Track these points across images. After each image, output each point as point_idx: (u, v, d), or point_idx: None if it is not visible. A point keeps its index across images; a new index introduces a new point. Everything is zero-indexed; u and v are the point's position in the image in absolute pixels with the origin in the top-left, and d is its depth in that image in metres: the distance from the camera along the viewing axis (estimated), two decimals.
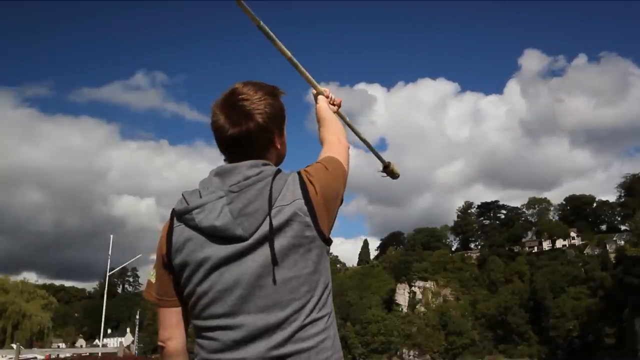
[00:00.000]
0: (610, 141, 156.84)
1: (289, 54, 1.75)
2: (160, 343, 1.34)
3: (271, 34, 1.67)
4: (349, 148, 1.60)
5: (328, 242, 1.31)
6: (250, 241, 1.21)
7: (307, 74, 1.82)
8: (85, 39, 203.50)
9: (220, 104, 1.35)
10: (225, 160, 1.37)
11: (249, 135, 1.32)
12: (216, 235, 1.22)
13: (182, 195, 1.31)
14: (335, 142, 1.57)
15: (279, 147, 1.42)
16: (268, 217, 1.22)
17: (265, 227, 1.21)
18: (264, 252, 1.21)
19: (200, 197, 1.27)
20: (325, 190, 1.30)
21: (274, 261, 1.21)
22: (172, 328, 1.33)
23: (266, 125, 1.34)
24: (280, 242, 1.22)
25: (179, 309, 1.32)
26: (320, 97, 1.83)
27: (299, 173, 1.33)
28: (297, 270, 1.23)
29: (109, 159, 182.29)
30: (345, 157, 1.50)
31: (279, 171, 1.31)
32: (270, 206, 1.23)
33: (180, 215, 1.27)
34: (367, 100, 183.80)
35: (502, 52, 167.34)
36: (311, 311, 1.23)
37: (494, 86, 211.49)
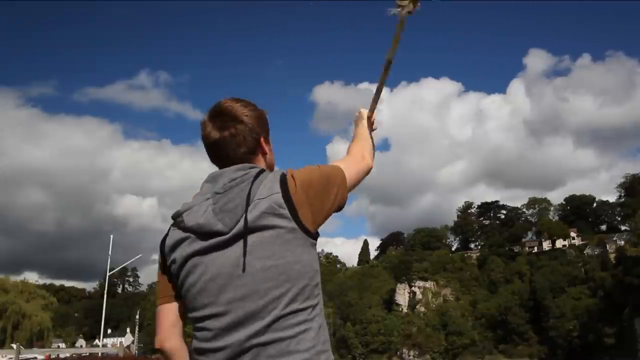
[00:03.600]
0: (614, 141, 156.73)
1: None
2: (157, 347, 1.38)
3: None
4: (371, 168, 1.66)
5: (312, 235, 1.34)
6: (229, 235, 1.29)
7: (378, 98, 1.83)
8: (88, 38, 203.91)
9: (207, 115, 1.45)
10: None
11: (236, 136, 1.40)
12: (200, 232, 1.31)
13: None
14: (357, 156, 1.64)
15: (267, 153, 1.47)
16: (245, 211, 1.30)
17: (242, 221, 1.29)
18: (242, 243, 1.29)
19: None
20: (307, 186, 1.34)
21: (245, 251, 1.28)
22: (169, 328, 1.39)
23: (252, 127, 1.42)
24: (257, 233, 1.29)
25: (175, 304, 1.39)
26: (365, 120, 1.87)
27: (284, 171, 1.39)
28: (275, 259, 1.28)
29: (112, 158, 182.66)
30: (358, 170, 1.56)
31: (262, 171, 1.38)
32: (248, 201, 1.30)
33: (174, 219, 1.39)
34: (371, 99, 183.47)
35: (506, 52, 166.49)
36: (291, 301, 1.27)
37: (497, 86, 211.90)
